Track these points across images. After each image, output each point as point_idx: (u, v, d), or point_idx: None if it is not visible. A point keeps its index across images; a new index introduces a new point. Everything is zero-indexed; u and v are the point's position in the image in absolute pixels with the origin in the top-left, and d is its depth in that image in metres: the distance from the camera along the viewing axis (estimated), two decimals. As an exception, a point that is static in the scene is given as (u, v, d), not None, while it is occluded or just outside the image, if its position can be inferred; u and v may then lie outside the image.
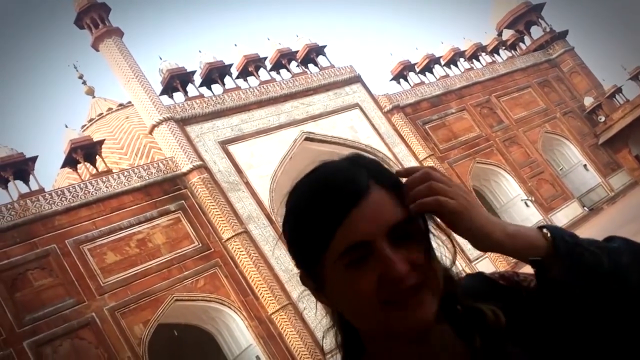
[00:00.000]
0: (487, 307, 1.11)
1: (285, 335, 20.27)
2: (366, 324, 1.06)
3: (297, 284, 21.08)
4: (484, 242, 1.07)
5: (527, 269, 1.23)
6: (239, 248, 21.12)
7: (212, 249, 21.01)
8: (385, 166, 1.11)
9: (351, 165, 1.07)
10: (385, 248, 1.00)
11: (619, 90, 38.89)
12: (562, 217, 31.46)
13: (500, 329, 1.08)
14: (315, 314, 1.14)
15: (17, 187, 20.34)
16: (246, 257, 21.01)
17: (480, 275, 1.23)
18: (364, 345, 1.11)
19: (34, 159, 21.09)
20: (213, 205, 21.59)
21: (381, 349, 1.08)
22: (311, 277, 1.10)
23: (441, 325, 1.09)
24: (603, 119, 37.42)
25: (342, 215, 1.01)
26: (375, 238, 1.00)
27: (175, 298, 19.52)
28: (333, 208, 1.01)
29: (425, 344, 1.06)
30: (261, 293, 20.67)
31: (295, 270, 1.13)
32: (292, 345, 20.14)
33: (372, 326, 1.04)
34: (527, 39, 41.16)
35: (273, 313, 20.42)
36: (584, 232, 26.03)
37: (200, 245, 20.92)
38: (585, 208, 32.79)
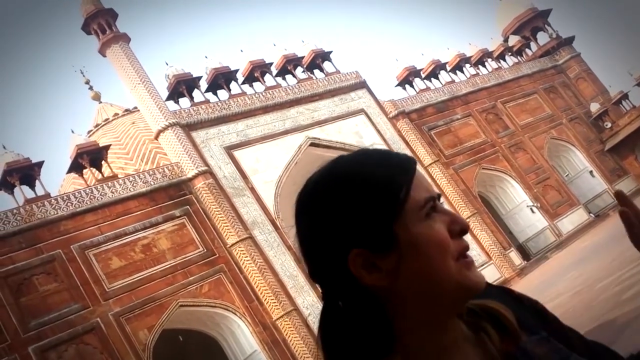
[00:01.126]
0: (488, 304, 1.11)
1: (290, 341, 20.23)
2: (443, 277, 1.03)
3: (302, 290, 21.08)
4: None
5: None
6: (243, 254, 21.12)
7: (217, 255, 21.01)
8: None
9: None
10: (443, 206, 1.08)
11: (625, 96, 38.78)
12: (568, 224, 31.35)
13: (511, 323, 1.09)
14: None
15: (23, 192, 20.40)
16: (251, 263, 21.00)
17: (494, 285, 1.22)
18: (391, 341, 1.07)
19: (40, 164, 21.14)
20: (218, 211, 21.59)
21: (418, 337, 1.06)
22: (372, 247, 1.04)
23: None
24: (609, 125, 37.31)
25: (413, 171, 1.07)
26: (436, 196, 1.08)
27: (180, 304, 19.51)
28: (405, 165, 1.08)
29: (454, 328, 1.08)
30: (266, 299, 20.65)
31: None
32: (296, 351, 20.10)
33: (447, 281, 1.03)
34: (533, 44, 41.10)
35: (278, 319, 20.40)
36: (590, 239, 25.92)
37: (205, 250, 20.92)
38: (591, 214, 32.66)
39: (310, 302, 20.88)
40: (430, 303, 1.05)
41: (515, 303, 1.17)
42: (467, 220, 26.69)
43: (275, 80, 28.07)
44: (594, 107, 37.98)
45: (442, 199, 1.11)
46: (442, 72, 34.88)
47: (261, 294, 20.72)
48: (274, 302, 20.55)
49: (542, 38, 41.34)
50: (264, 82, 27.59)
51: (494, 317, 1.10)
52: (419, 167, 1.10)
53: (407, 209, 1.03)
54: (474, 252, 26.72)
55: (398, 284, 1.04)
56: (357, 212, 1.03)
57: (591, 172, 35.49)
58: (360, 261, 1.03)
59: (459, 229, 1.05)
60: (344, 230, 1.03)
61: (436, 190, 1.09)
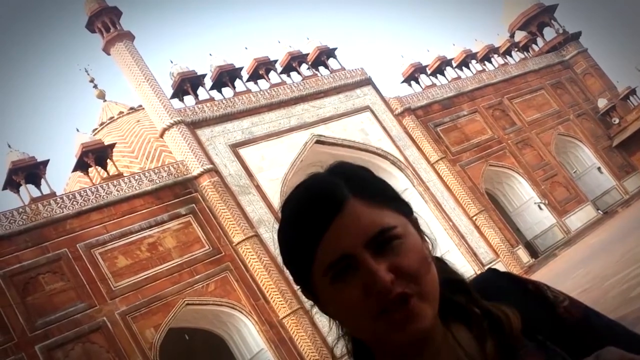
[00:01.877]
0: (501, 308, 1.08)
1: (297, 339, 20.19)
2: (361, 336, 1.06)
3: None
4: None
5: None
6: (249, 252, 21.08)
7: (223, 253, 20.98)
8: (369, 174, 1.10)
9: (329, 178, 1.07)
10: (367, 259, 0.99)
11: (633, 91, 38.57)
12: (576, 221, 31.20)
13: (513, 333, 1.05)
14: (330, 322, 1.11)
15: (28, 191, 20.43)
16: (257, 261, 20.96)
17: (506, 273, 1.19)
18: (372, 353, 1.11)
19: (45, 163, 21.16)
20: (223, 209, 21.56)
21: (388, 357, 1.07)
22: (309, 292, 1.10)
23: (450, 326, 1.08)
24: (617, 120, 37.10)
25: (319, 233, 1.01)
26: (355, 251, 1.00)
27: (186, 302, 19.49)
28: (310, 226, 1.03)
29: (427, 351, 1.05)
30: (272, 297, 20.61)
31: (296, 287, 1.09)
32: (303, 349, 20.07)
33: (367, 338, 1.05)
34: (539, 40, 40.90)
35: (284, 317, 20.36)
36: (598, 236, 25.77)
37: (211, 249, 20.89)
38: (599, 211, 32.49)
39: (316, 300, 20.84)
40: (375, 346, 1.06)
41: (525, 296, 1.13)
42: (475, 216, 26.88)
43: (280, 78, 28.01)
44: (602, 103, 37.76)
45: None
46: (448, 69, 34.76)
47: (267, 292, 20.68)
48: (281, 301, 20.51)
49: (549, 34, 41.13)
50: (269, 79, 27.53)
51: (498, 323, 1.07)
52: (351, 209, 1.02)
53: (313, 274, 1.04)
54: (482, 250, 26.61)
55: None
56: (285, 261, 1.11)
57: (599, 168, 35.32)
58: (307, 295, 1.10)
59: (375, 290, 0.98)
60: (288, 269, 1.11)
61: (368, 232, 1.00)
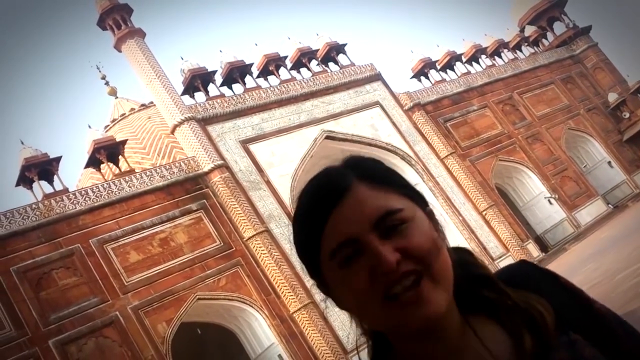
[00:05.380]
0: (532, 300, 1.07)
1: (307, 334, 20.28)
2: (371, 323, 1.05)
3: (319, 282, 21.11)
4: None
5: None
6: (260, 247, 21.18)
7: (234, 248, 21.09)
8: (379, 164, 1.10)
9: (338, 170, 1.08)
10: (372, 241, 0.99)
11: (643, 86, 38.30)
12: (586, 215, 31.10)
13: (549, 328, 1.04)
14: (350, 319, 1.13)
15: (41, 187, 20.58)
16: (267, 256, 21.06)
17: (538, 266, 1.18)
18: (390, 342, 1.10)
19: (58, 159, 21.31)
20: (234, 205, 21.66)
21: (405, 345, 1.06)
22: (321, 284, 1.10)
23: (472, 322, 1.06)
24: (627, 115, 36.89)
25: (323, 218, 1.03)
26: (360, 234, 1.00)
27: (197, 297, 19.62)
28: (315, 212, 1.04)
29: (444, 340, 1.03)
30: (283, 292, 20.71)
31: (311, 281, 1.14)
32: (314, 344, 20.15)
33: (377, 325, 1.04)
34: (549, 35, 40.69)
35: (295, 312, 20.45)
36: (609, 230, 25.69)
37: (222, 244, 21.01)
38: (609, 205, 32.37)
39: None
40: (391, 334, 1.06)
41: (560, 292, 1.12)
42: (485, 210, 26.84)
43: (290, 74, 28.05)
44: (612, 97, 37.56)
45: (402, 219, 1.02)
46: (458, 64, 34.65)
47: (278, 287, 20.78)
48: (291, 295, 20.60)
49: (559, 28, 40.90)
50: (279, 75, 27.58)
51: (531, 317, 1.06)
52: (355, 194, 1.03)
53: (322, 263, 1.05)
54: (492, 245, 26.59)
55: None
56: (298, 253, 1.12)
57: (609, 162, 35.16)
58: (320, 288, 1.11)
59: (381, 272, 0.97)
60: (303, 262, 1.12)
61: (371, 217, 1.00)
